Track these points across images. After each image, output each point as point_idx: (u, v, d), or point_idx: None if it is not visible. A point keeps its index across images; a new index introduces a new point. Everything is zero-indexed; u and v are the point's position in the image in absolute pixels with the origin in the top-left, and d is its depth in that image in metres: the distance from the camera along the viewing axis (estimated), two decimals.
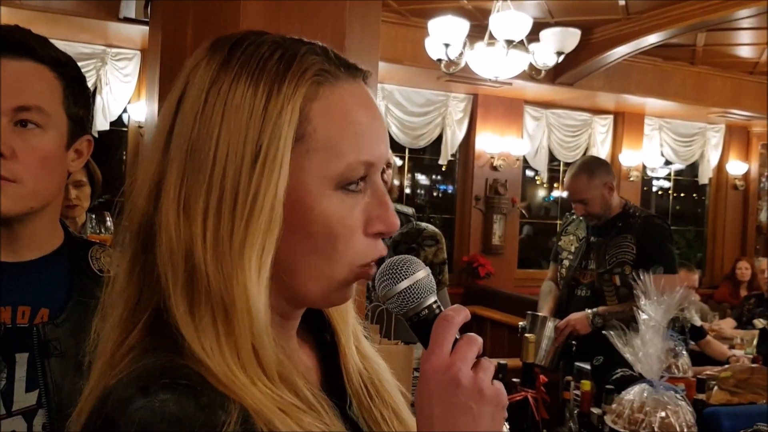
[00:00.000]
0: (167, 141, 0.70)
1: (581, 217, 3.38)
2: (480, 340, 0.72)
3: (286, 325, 0.75)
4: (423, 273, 0.74)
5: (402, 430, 0.80)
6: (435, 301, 0.74)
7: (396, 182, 3.54)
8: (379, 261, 0.74)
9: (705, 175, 9.12)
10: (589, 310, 3.19)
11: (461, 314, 0.72)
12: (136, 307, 0.70)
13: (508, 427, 0.77)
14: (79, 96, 1.11)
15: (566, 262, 3.46)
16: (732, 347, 4.70)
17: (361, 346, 0.83)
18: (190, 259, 0.66)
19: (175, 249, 0.66)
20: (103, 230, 2.57)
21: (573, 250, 3.46)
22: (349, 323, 0.82)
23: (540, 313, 3.37)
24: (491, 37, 4.63)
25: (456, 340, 0.71)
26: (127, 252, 0.71)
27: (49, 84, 1.07)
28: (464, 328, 0.74)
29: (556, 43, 4.72)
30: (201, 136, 0.67)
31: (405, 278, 0.73)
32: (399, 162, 7.66)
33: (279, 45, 0.70)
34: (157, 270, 0.68)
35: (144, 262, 0.69)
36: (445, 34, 4.54)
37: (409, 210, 3.58)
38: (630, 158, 8.48)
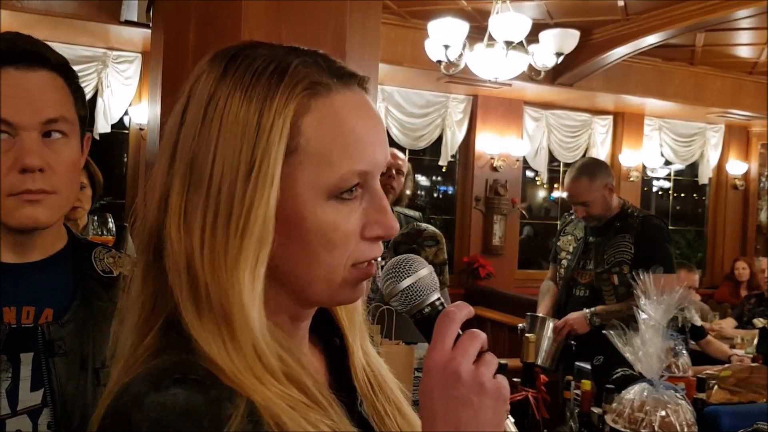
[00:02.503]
0: (173, 153, 0.72)
1: (581, 219, 3.39)
2: (483, 335, 0.73)
3: (296, 326, 0.77)
4: (426, 271, 0.76)
5: (405, 424, 0.82)
6: (438, 298, 0.76)
7: (408, 191, 3.58)
8: None
9: (705, 175, 9.13)
10: (587, 310, 3.20)
11: (463, 311, 0.74)
12: (151, 312, 0.72)
13: (512, 420, 0.78)
14: (81, 96, 1.12)
15: (564, 262, 3.47)
16: (733, 347, 4.71)
17: (365, 345, 0.85)
18: (191, 270, 0.68)
19: (178, 260, 0.69)
20: (105, 232, 2.56)
21: (571, 250, 3.47)
22: (357, 324, 0.84)
23: (539, 314, 3.37)
24: (491, 38, 4.64)
25: (458, 336, 0.72)
26: (140, 260, 0.73)
27: (64, 92, 1.08)
28: (464, 327, 0.75)
29: (556, 44, 4.73)
30: (200, 151, 0.69)
31: (408, 276, 0.75)
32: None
33: (273, 58, 0.71)
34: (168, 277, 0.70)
35: (156, 270, 0.72)
36: (444, 35, 4.55)
37: (416, 214, 3.60)
38: (630, 158, 8.48)
